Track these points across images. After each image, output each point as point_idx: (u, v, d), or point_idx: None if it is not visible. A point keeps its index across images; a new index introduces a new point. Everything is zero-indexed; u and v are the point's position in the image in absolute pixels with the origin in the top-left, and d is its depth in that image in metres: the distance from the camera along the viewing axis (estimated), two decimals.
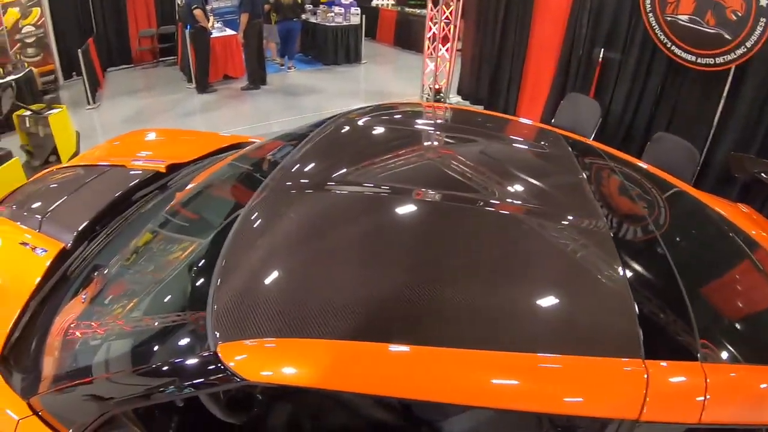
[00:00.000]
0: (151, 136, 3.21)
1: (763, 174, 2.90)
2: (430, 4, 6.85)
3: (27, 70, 7.49)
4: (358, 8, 8.97)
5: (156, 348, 1.32)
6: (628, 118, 5.12)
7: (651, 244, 1.56)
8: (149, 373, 1.24)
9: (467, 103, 7.21)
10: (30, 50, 8.27)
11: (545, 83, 5.94)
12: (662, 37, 4.48)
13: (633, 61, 4.93)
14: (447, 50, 7.06)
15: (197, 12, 6.86)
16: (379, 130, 2.14)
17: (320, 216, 1.55)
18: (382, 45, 11.25)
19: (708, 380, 1.11)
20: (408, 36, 10.36)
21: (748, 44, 3.82)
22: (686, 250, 1.69)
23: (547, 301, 1.26)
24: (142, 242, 1.73)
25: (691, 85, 4.55)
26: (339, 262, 1.36)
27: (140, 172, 2.41)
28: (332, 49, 8.85)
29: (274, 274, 1.34)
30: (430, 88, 7.27)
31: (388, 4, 11.38)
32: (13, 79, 6.82)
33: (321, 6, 8.94)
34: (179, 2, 7.94)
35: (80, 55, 7.03)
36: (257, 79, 7.69)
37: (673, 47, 4.43)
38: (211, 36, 7.47)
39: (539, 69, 6.05)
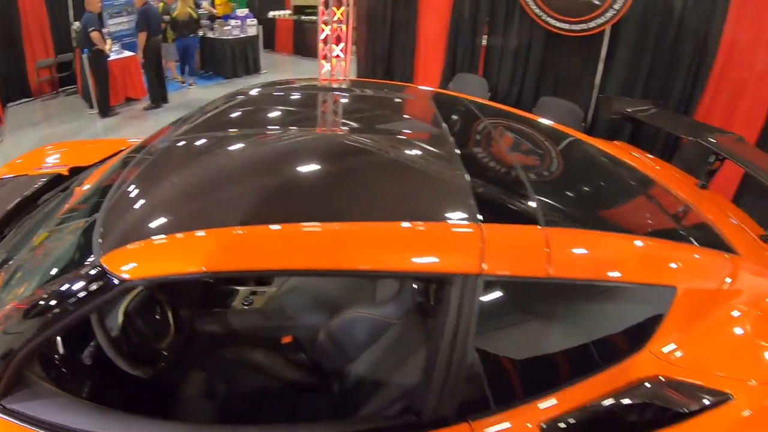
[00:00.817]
0: (55, 149, 3.30)
1: (628, 110, 3.09)
2: (321, 7, 7.17)
3: None
4: (255, 20, 9.17)
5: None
6: (516, 89, 5.60)
7: (493, 151, 2.02)
8: (38, 309, 1.32)
9: None
10: None
11: (436, 74, 6.35)
12: (536, 10, 4.99)
13: (514, 37, 5.43)
14: (342, 50, 7.42)
15: (94, 34, 6.81)
16: (264, 100, 2.38)
17: (196, 150, 1.80)
18: (282, 55, 11.48)
19: (548, 239, 1.38)
20: (306, 44, 10.66)
21: (616, 6, 4.38)
22: (527, 152, 2.13)
23: (398, 187, 1.57)
24: (38, 237, 1.81)
25: (570, 53, 5.08)
26: (213, 174, 1.62)
27: (42, 177, 2.48)
28: (231, 62, 9.00)
29: (153, 193, 1.57)
30: None
31: (284, 15, 11.63)
32: None
33: (217, 20, 9.04)
34: (75, 27, 7.83)
35: None
36: (158, 98, 7.71)
37: (548, 18, 4.94)
38: (110, 59, 7.45)
39: (428, 61, 6.47)
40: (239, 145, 1.78)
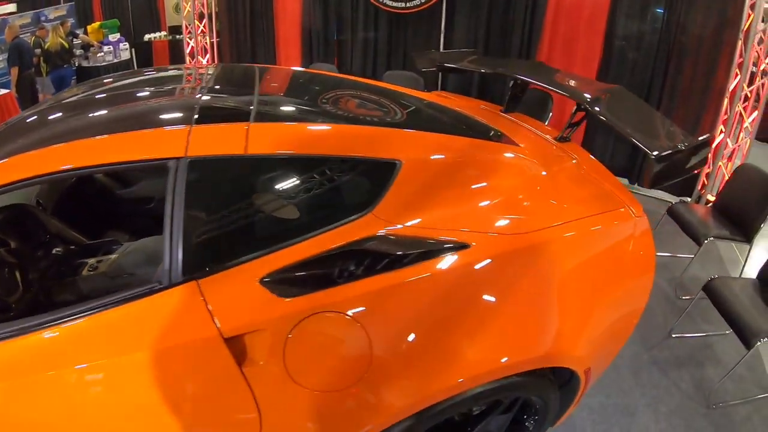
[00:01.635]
0: None
1: (446, 64, 3.44)
2: (184, 22, 7.80)
3: None
4: (126, 43, 9.58)
5: None
6: (369, 70, 6.38)
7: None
8: None
9: None
10: None
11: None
12: None
13: (361, 27, 6.22)
14: (207, 61, 8.10)
15: None
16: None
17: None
18: None
19: (249, 130, 1.81)
20: (183, 61, 11.13)
21: None
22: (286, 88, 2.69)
23: (144, 111, 2.15)
24: None
25: (414, 30, 5.88)
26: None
27: None
28: None
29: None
30: None
31: (159, 36, 12.04)
32: None
33: (91, 48, 9.34)
34: None
35: None
36: None
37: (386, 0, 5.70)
38: None
39: (289, 62, 7.25)
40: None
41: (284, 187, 1.90)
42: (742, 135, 4.99)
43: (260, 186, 1.88)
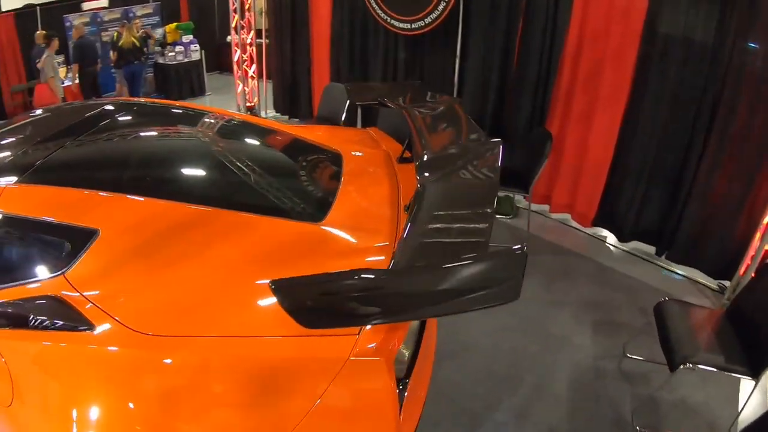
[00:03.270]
0: None
1: (382, 99, 3.31)
2: (233, 32, 7.93)
3: None
4: (197, 45, 10.01)
5: None
6: None
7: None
8: None
9: (283, 117, 8.28)
10: None
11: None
12: (382, 15, 5.68)
13: (381, 49, 6.15)
14: (254, 71, 8.15)
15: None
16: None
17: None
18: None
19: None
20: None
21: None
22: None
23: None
24: None
25: (431, 49, 5.63)
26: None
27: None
28: (177, 84, 9.85)
29: None
30: (245, 106, 8.31)
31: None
32: None
33: (167, 47, 9.89)
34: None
35: None
36: None
37: (392, 21, 5.59)
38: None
39: (321, 77, 7.30)
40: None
41: None
42: None
43: None
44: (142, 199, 2.09)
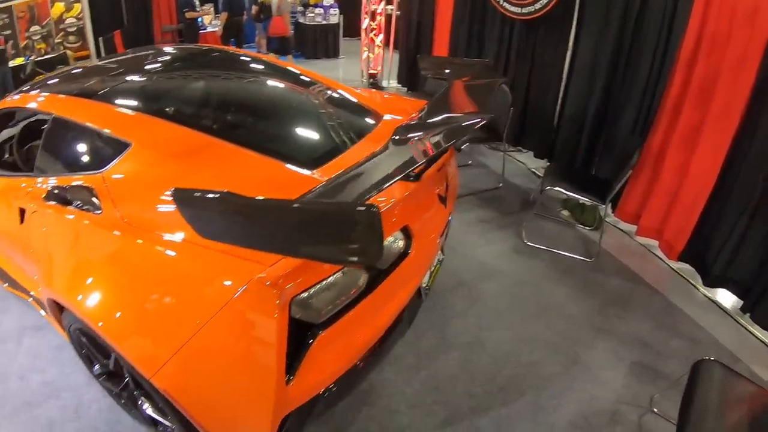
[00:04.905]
0: None
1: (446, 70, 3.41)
2: (364, 1, 8.02)
3: (61, 52, 9.52)
4: (337, 9, 10.26)
5: None
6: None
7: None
8: None
9: (403, 89, 8.28)
10: (71, 38, 10.32)
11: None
12: None
13: (497, 32, 5.93)
14: (381, 40, 8.18)
15: (188, 14, 8.69)
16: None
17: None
18: None
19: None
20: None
21: None
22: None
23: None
24: None
25: (545, 35, 5.30)
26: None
27: None
28: (313, 44, 10.20)
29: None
30: (368, 73, 8.39)
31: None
32: (47, 58, 8.96)
33: (309, 7, 10.28)
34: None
35: (101, 42, 8.92)
36: None
37: (504, 3, 5.39)
38: (204, 31, 9.08)
39: (440, 54, 7.20)
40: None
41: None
42: None
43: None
44: (170, 124, 2.51)
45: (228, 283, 1.79)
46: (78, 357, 2.76)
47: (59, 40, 10.18)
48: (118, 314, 2.01)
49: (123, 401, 2.61)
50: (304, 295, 1.84)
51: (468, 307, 3.54)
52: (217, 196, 1.60)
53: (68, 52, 9.90)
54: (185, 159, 2.30)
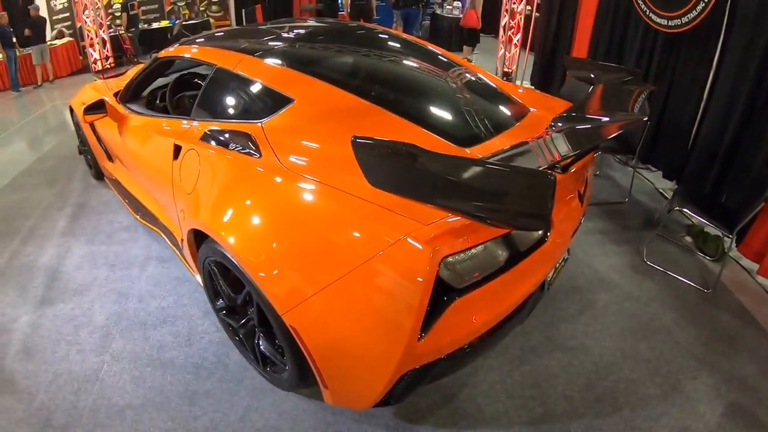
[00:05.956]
0: None
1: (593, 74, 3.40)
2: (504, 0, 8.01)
3: (205, 19, 10.54)
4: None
5: None
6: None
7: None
8: None
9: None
10: (214, 7, 11.27)
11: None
12: (642, 6, 5.27)
13: (638, 43, 5.70)
14: (518, 40, 8.14)
15: None
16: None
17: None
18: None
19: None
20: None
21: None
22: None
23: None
24: None
25: (688, 49, 5.02)
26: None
27: None
28: (448, 36, 10.28)
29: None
30: (503, 71, 8.38)
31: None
32: (192, 23, 9.95)
33: (447, 0, 10.38)
34: None
35: (243, 13, 9.66)
36: None
37: (651, 15, 5.17)
38: (342, 12, 9.55)
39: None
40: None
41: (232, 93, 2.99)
42: None
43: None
44: (332, 87, 2.70)
45: (383, 235, 1.84)
46: (202, 289, 2.93)
47: (203, 8, 11.14)
48: (264, 249, 2.11)
49: (238, 338, 2.79)
50: (453, 258, 1.86)
51: (578, 312, 3.55)
52: (400, 145, 1.67)
53: (210, 20, 10.80)
54: (346, 120, 2.46)
